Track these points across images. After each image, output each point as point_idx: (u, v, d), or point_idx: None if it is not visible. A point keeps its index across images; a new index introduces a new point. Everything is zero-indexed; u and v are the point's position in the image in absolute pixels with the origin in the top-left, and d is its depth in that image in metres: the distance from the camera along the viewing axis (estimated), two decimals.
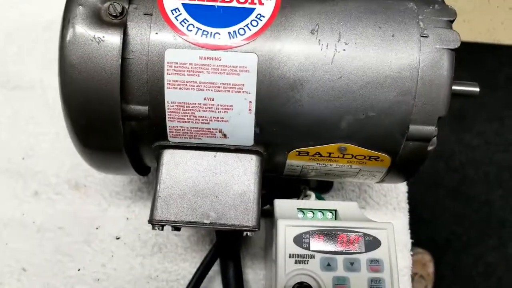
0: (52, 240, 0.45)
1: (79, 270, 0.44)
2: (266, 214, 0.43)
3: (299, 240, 0.31)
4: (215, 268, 0.44)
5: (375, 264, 0.31)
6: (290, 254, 0.31)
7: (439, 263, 1.14)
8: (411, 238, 0.46)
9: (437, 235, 1.21)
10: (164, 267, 0.44)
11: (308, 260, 0.31)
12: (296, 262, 0.31)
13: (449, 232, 1.21)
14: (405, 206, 0.47)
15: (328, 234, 0.32)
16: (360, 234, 0.32)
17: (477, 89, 0.35)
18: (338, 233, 0.32)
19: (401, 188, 0.48)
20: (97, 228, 0.45)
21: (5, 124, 0.49)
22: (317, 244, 0.31)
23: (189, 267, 0.44)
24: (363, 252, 0.31)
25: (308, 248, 0.31)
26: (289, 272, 0.31)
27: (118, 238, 0.45)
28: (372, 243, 0.31)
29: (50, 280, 0.43)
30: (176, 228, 0.38)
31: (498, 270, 1.17)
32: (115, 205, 0.46)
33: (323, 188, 0.44)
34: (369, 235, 0.32)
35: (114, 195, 0.46)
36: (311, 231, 0.32)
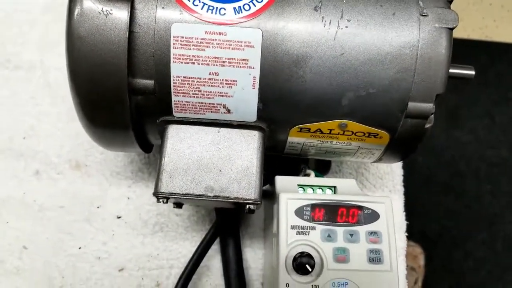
0: (53, 219, 0.45)
1: (80, 248, 0.44)
2: (265, 195, 0.44)
3: (300, 213, 0.32)
4: (215, 247, 0.45)
5: (374, 236, 0.32)
6: (291, 226, 0.32)
7: (430, 257, 1.15)
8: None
9: (428, 229, 1.22)
10: (165, 246, 0.45)
11: (309, 232, 0.32)
12: (297, 233, 0.32)
13: (440, 226, 1.22)
14: (400, 188, 0.49)
15: (329, 207, 0.33)
16: (359, 207, 0.33)
17: (473, 72, 0.36)
18: (338, 206, 0.33)
19: (396, 171, 0.49)
20: (98, 207, 0.46)
21: (6, 104, 0.49)
22: (317, 216, 0.32)
23: (190, 246, 0.45)
24: (362, 225, 0.32)
25: (309, 220, 0.32)
26: (290, 242, 0.31)
27: (119, 217, 0.45)
28: (371, 216, 0.32)
29: (51, 258, 0.44)
30: (178, 205, 0.39)
31: (488, 265, 1.19)
32: (116, 185, 0.46)
33: (321, 169, 0.45)
34: (368, 208, 0.32)
35: (115, 175, 0.47)
36: (312, 204, 0.33)
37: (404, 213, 0.48)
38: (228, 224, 0.43)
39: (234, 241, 0.43)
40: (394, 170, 0.49)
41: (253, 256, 0.45)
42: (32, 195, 0.46)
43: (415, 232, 1.20)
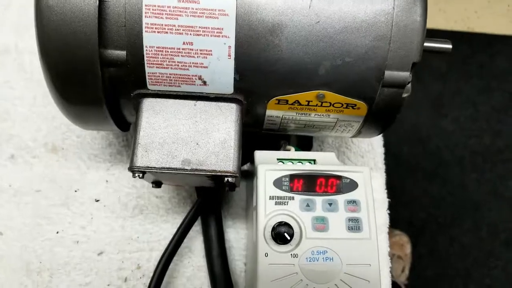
0: (30, 203, 0.44)
1: (57, 233, 0.43)
2: (247, 174, 0.44)
3: (279, 183, 0.32)
4: (197, 228, 0.44)
5: (352, 205, 0.32)
6: (270, 196, 0.32)
7: (416, 244, 1.17)
8: (390, 219, 0.47)
9: (414, 217, 1.24)
10: (145, 229, 0.44)
11: (287, 202, 0.31)
12: (276, 203, 0.31)
13: (426, 214, 1.24)
14: (381, 166, 0.49)
15: (307, 177, 0.32)
16: (337, 177, 0.32)
17: (450, 46, 0.36)
18: (317, 176, 0.32)
19: (377, 150, 0.49)
20: (76, 191, 0.45)
21: None
22: (296, 186, 0.32)
23: (171, 228, 0.44)
24: (341, 194, 0.32)
25: (287, 191, 0.32)
26: (269, 212, 0.31)
27: (97, 201, 0.45)
28: (350, 185, 0.32)
29: (28, 243, 0.43)
30: (157, 184, 0.39)
31: (473, 251, 1.20)
32: (94, 168, 0.45)
33: (303, 147, 0.45)
34: (346, 177, 0.32)
35: (93, 158, 0.46)
36: (290, 174, 0.32)
37: (386, 190, 0.48)
38: (210, 204, 0.43)
39: (216, 221, 0.43)
40: (375, 149, 0.49)
41: (236, 236, 0.45)
42: (7, 179, 0.45)
43: (402, 220, 1.21)
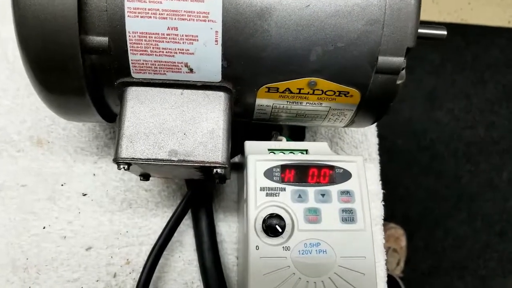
0: (15, 198, 0.43)
1: (44, 228, 0.42)
2: (237, 167, 0.42)
3: (270, 174, 0.31)
4: (188, 222, 0.43)
5: (346, 195, 0.31)
6: (261, 188, 0.30)
7: (412, 237, 1.16)
8: (385, 213, 0.46)
9: (410, 210, 1.23)
10: (134, 223, 0.43)
11: (279, 193, 0.30)
12: (267, 195, 0.30)
13: (421, 207, 1.24)
14: (375, 157, 0.48)
15: (299, 167, 0.31)
16: (330, 167, 0.31)
17: (445, 32, 0.34)
18: (309, 166, 0.31)
19: (371, 140, 0.48)
20: (62, 185, 0.43)
21: None
22: (288, 177, 0.31)
23: (160, 222, 0.43)
24: (334, 184, 0.31)
25: (279, 181, 0.31)
26: (260, 204, 0.30)
27: (85, 195, 0.43)
28: (343, 175, 0.31)
29: (14, 240, 0.42)
30: (145, 177, 0.37)
31: (468, 243, 1.20)
32: (80, 161, 0.44)
33: (295, 138, 0.44)
34: (339, 167, 0.31)
35: (79, 151, 0.44)
36: (281, 165, 0.31)
37: (381, 182, 0.47)
38: (200, 197, 0.42)
39: (207, 214, 0.42)
40: (369, 139, 0.48)
41: (227, 230, 0.44)
42: None
43: (397, 213, 1.21)
